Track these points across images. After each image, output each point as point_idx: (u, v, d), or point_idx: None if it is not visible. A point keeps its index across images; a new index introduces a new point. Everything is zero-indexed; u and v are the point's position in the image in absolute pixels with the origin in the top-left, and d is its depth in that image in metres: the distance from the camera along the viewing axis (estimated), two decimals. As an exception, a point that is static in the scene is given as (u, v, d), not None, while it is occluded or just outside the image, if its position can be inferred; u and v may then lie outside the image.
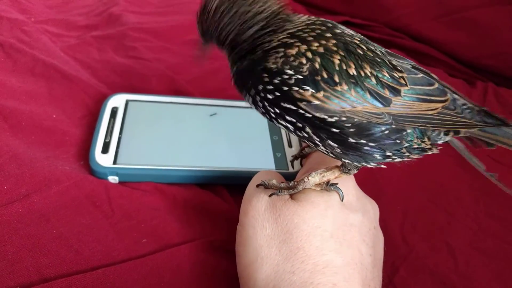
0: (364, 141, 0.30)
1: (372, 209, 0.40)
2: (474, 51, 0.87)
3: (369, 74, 0.29)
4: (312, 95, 0.29)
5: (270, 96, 0.30)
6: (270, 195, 0.36)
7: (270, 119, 0.33)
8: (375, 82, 0.29)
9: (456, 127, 0.32)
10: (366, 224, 0.37)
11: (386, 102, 0.29)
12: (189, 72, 0.69)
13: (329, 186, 0.36)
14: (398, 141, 0.31)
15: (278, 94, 0.30)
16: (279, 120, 0.32)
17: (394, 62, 0.31)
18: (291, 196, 0.37)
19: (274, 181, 0.37)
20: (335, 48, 0.30)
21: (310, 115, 0.29)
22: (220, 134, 0.54)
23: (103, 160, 0.46)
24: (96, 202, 0.43)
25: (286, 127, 0.32)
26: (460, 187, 0.57)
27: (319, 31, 0.31)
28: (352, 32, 0.32)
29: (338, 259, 0.32)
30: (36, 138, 0.48)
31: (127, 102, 0.55)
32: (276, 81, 0.29)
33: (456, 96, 0.34)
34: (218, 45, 0.36)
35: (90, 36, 0.72)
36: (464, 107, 0.33)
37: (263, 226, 0.35)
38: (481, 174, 0.59)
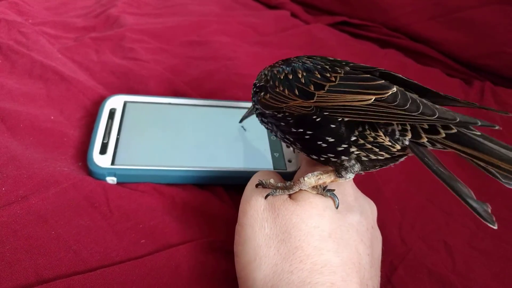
0: (302, 130, 0.35)
1: (370, 208, 0.40)
2: (472, 51, 0.87)
3: (300, 77, 0.36)
4: (263, 97, 0.38)
5: (255, 104, 0.41)
6: (265, 196, 0.36)
7: (261, 122, 0.42)
8: (304, 81, 0.35)
9: (393, 119, 0.31)
10: (364, 224, 0.37)
11: (309, 95, 0.34)
12: (187, 73, 0.69)
13: (325, 191, 0.36)
14: (339, 128, 0.33)
15: (254, 99, 0.41)
16: (264, 122, 0.41)
17: (338, 68, 0.35)
18: (290, 196, 0.37)
19: (272, 181, 0.38)
20: (277, 65, 0.39)
21: (268, 113, 0.38)
22: (218, 135, 0.54)
23: (101, 161, 0.46)
24: (94, 203, 0.43)
25: (267, 128, 0.41)
26: (458, 187, 0.57)
27: (276, 62, 0.41)
28: (317, 57, 0.39)
29: (336, 259, 0.32)
30: (34, 139, 0.48)
31: (125, 103, 0.55)
32: (253, 90, 0.42)
33: (412, 95, 0.31)
34: None
35: (88, 38, 0.72)
36: (424, 103, 0.30)
37: (261, 225, 0.35)
38: (479, 173, 0.59)
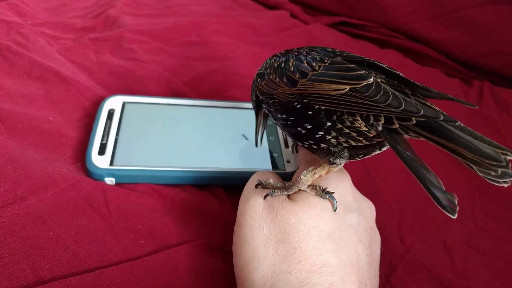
0: (285, 116, 0.37)
1: (368, 208, 0.40)
2: (471, 51, 0.87)
3: (290, 65, 0.37)
4: (260, 83, 0.41)
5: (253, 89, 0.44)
6: (264, 197, 0.36)
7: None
8: (292, 70, 0.36)
9: (362, 109, 0.32)
10: (362, 224, 0.37)
11: (294, 83, 0.35)
12: (186, 74, 0.69)
13: (324, 193, 0.36)
14: (316, 115, 0.34)
15: (253, 85, 0.44)
16: (265, 108, 0.42)
17: (327, 59, 0.36)
18: (289, 196, 0.37)
19: (271, 181, 0.38)
20: (278, 53, 0.40)
21: (262, 99, 0.40)
22: (217, 135, 0.54)
23: (100, 161, 0.46)
24: (93, 203, 0.43)
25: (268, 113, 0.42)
26: (457, 186, 0.57)
27: (279, 52, 0.41)
28: (318, 48, 0.39)
29: (335, 259, 0.32)
30: (33, 140, 0.48)
31: (123, 104, 0.55)
32: (256, 76, 0.43)
33: (386, 87, 0.31)
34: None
35: (87, 38, 0.72)
36: (394, 94, 0.31)
37: (260, 226, 0.35)
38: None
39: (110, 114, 0.53)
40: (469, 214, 0.53)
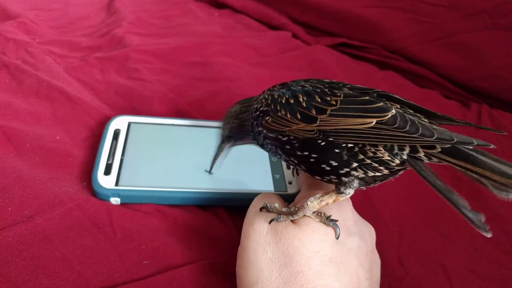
0: (307, 153, 0.36)
1: (368, 232, 0.41)
2: (469, 74, 0.89)
3: (301, 101, 0.37)
4: (266, 121, 0.40)
5: (255, 129, 0.42)
6: (270, 222, 0.37)
7: (261, 146, 0.44)
8: (305, 106, 0.36)
9: (395, 141, 0.33)
10: (363, 248, 0.37)
11: (312, 119, 0.36)
12: (190, 94, 0.71)
13: (328, 220, 0.37)
14: (342, 153, 0.35)
15: (255, 123, 0.42)
16: (266, 145, 0.42)
17: (336, 91, 0.37)
18: (292, 220, 0.38)
19: (276, 205, 0.38)
20: (276, 89, 0.41)
21: (271, 136, 0.40)
22: (220, 156, 0.55)
23: (105, 181, 0.47)
24: (98, 223, 0.43)
25: (269, 150, 0.42)
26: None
27: (273, 87, 0.42)
28: (314, 80, 0.40)
29: (336, 283, 0.33)
30: (40, 159, 0.49)
31: (129, 124, 0.56)
32: (254, 114, 0.42)
33: (410, 116, 0.33)
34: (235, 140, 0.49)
35: (93, 57, 0.73)
36: (422, 124, 0.32)
37: (264, 249, 0.35)
38: (476, 196, 0.60)
39: (116, 134, 0.54)
40: (467, 237, 0.54)
